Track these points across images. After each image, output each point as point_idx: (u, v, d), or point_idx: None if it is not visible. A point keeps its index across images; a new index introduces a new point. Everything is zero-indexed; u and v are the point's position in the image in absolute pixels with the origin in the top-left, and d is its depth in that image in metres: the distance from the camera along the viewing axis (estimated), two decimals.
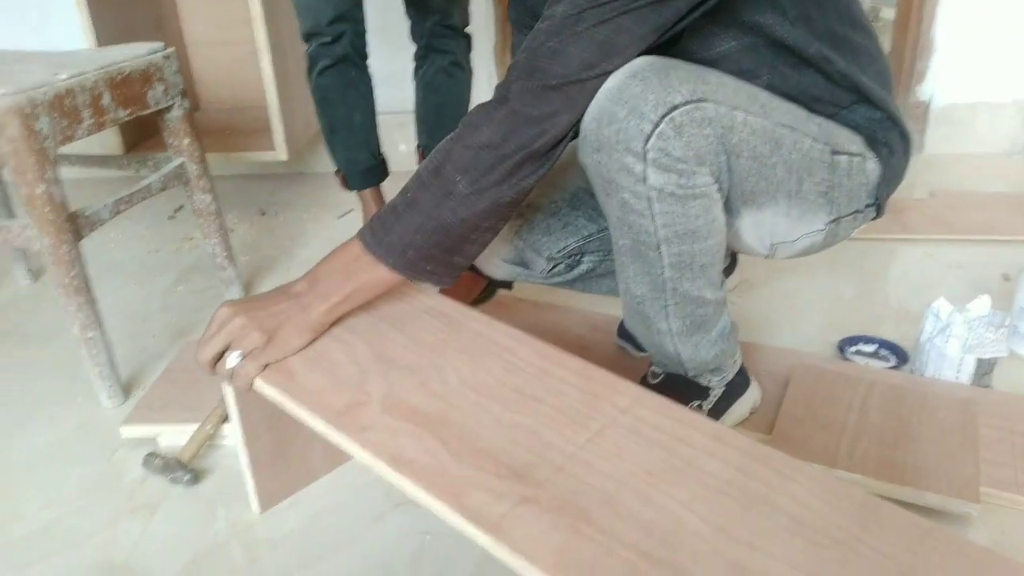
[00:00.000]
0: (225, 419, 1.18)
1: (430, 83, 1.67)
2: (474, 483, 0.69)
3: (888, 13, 3.50)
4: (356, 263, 0.89)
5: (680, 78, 0.84)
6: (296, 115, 2.12)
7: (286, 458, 1.06)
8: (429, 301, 0.98)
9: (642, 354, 1.35)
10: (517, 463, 0.71)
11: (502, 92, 0.86)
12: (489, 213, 0.87)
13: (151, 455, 1.13)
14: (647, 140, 0.82)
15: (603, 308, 1.50)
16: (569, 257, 1.13)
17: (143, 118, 1.39)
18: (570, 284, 1.22)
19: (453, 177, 0.86)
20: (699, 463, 0.70)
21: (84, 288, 1.24)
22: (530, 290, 1.60)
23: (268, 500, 1.06)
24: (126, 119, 1.30)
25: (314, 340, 0.90)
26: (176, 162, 1.45)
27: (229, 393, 0.95)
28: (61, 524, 1.07)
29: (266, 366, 0.86)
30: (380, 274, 0.89)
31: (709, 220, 0.90)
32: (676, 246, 0.91)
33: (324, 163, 2.52)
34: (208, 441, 1.17)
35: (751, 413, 1.16)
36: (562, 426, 0.75)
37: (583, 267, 1.15)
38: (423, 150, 1.69)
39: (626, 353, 1.36)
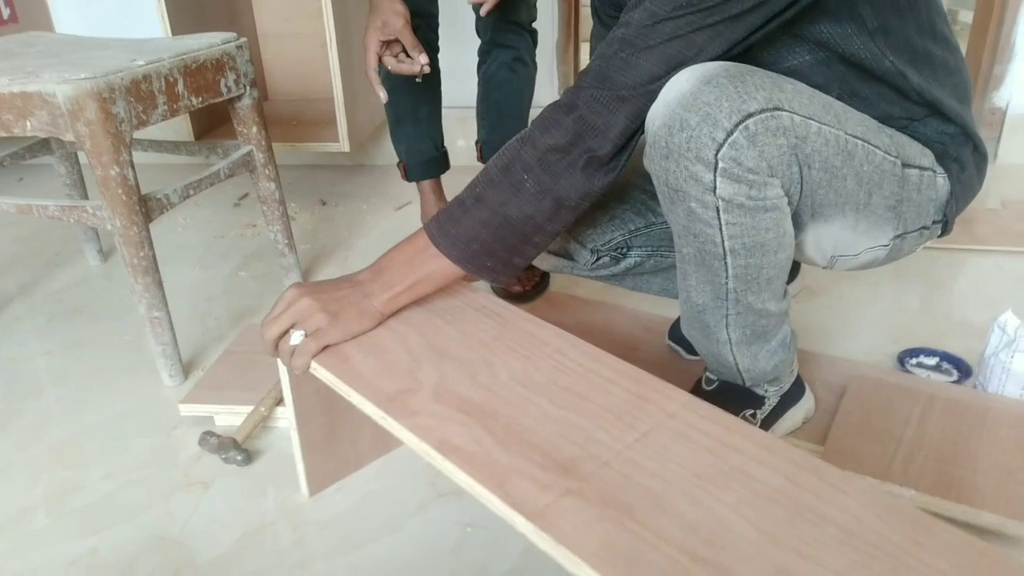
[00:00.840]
0: (280, 402, 1.20)
1: (492, 78, 1.67)
2: (519, 472, 0.69)
3: (966, 16, 3.39)
4: (420, 255, 0.91)
5: (756, 85, 0.81)
6: (360, 108, 2.15)
7: (336, 443, 1.08)
8: (482, 300, 0.99)
9: (694, 358, 1.33)
10: (563, 456, 0.71)
11: (572, 98, 0.86)
12: (553, 214, 0.88)
13: (207, 434, 1.17)
14: (719, 149, 0.80)
15: (655, 308, 1.49)
16: (615, 250, 1.13)
17: (214, 106, 1.42)
18: (618, 279, 1.21)
19: (521, 175, 0.87)
20: (748, 470, 0.69)
21: (152, 269, 1.28)
22: (581, 287, 1.60)
23: (317, 483, 1.08)
24: (198, 106, 1.34)
25: (375, 327, 0.92)
26: (244, 150, 1.49)
27: (285, 376, 0.97)
28: (119, 495, 1.11)
29: (325, 347, 0.89)
30: (443, 267, 0.91)
31: (779, 234, 0.88)
32: (743, 258, 0.89)
33: (384, 156, 2.55)
34: (262, 423, 1.20)
35: (804, 422, 1.14)
36: (609, 424, 0.75)
37: (629, 261, 1.14)
38: (481, 146, 1.70)
39: (678, 356, 1.35)
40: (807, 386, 1.15)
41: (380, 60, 1.36)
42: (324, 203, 2.26)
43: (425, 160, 1.69)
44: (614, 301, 1.54)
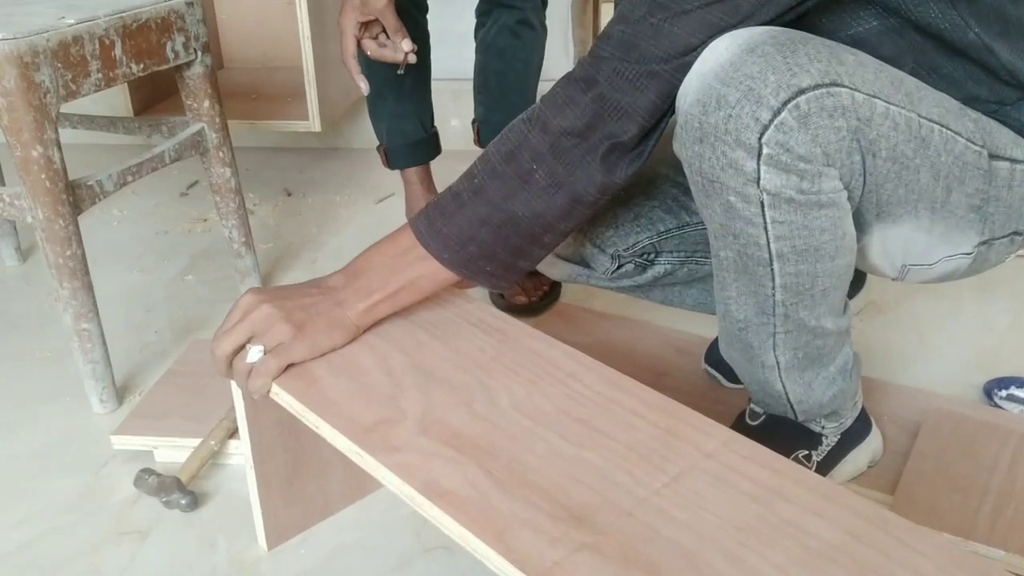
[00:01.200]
0: (233, 434, 1.20)
1: (492, 44, 1.67)
2: (523, 522, 0.69)
3: None
4: (404, 257, 0.92)
5: (809, 55, 0.81)
6: (334, 80, 2.16)
7: (301, 484, 1.08)
8: (478, 312, 0.99)
9: (736, 386, 1.33)
10: (576, 503, 0.71)
11: (591, 71, 0.86)
12: (567, 212, 0.89)
13: (145, 472, 1.17)
14: (763, 131, 0.80)
15: (688, 325, 1.49)
16: (640, 256, 1.13)
17: (158, 75, 1.43)
18: (643, 292, 1.21)
19: (529, 165, 0.87)
20: (801, 523, 0.69)
21: (80, 271, 1.29)
22: (599, 299, 1.60)
23: (277, 534, 1.08)
24: (139, 75, 1.35)
25: (348, 342, 0.92)
26: (194, 128, 1.50)
27: (239, 402, 0.98)
28: (37, 546, 1.11)
29: (289, 366, 0.89)
30: (432, 271, 0.91)
31: (837, 236, 0.88)
32: (793, 264, 0.89)
33: (363, 138, 2.56)
34: (212, 459, 1.20)
35: (869, 466, 1.14)
36: (633, 465, 0.75)
37: (657, 269, 1.14)
38: (479, 126, 1.70)
39: (716, 383, 1.35)
40: (873, 422, 1.15)
41: (359, 44, 1.36)
42: (289, 194, 2.27)
43: (411, 143, 1.69)
44: (638, 316, 1.54)
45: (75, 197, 1.27)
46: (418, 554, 1.07)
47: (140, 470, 1.17)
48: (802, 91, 0.80)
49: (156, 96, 2.31)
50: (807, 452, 1.09)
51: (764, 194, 0.84)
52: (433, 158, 1.74)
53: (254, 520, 1.07)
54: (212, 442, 1.19)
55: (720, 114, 0.81)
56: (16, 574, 1.06)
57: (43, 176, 1.22)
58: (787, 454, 1.06)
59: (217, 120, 1.52)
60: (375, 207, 2.16)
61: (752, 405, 1.12)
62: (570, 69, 0.90)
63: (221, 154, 1.54)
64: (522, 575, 0.64)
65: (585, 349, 0.92)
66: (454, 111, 2.40)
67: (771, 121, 0.80)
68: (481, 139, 1.69)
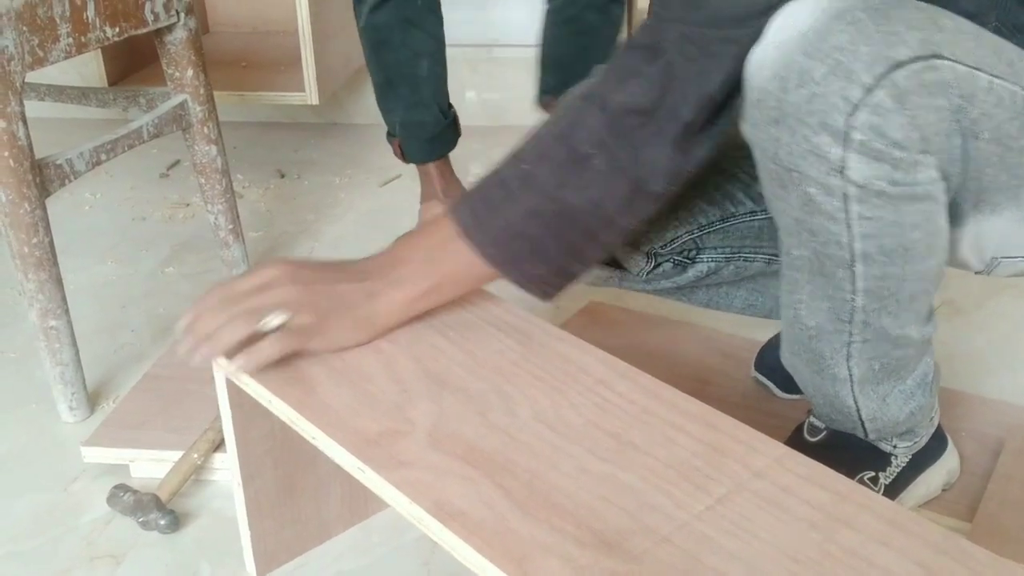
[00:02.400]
0: (219, 446, 1.21)
1: (577, 19, 1.66)
2: (545, 547, 0.69)
3: None
4: (444, 248, 0.92)
5: (907, 22, 0.79)
6: (333, 46, 2.17)
7: (294, 505, 1.08)
8: (497, 310, 1.00)
9: (790, 396, 1.33)
10: (607, 527, 0.71)
11: (654, 37, 0.85)
12: (628, 202, 0.88)
13: (119, 488, 1.18)
14: (853, 112, 0.78)
15: (735, 327, 1.48)
16: (679, 254, 1.12)
17: (136, 40, 1.44)
18: (685, 294, 1.21)
19: (586, 148, 0.87)
20: (865, 553, 0.69)
21: (48, 261, 1.30)
22: (634, 297, 1.60)
23: (268, 560, 1.09)
24: (114, 40, 1.36)
25: (370, 341, 0.93)
26: (175, 100, 1.50)
27: (226, 412, 0.98)
28: None
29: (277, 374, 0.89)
30: (475, 268, 0.91)
31: (930, 233, 0.87)
32: (879, 266, 0.88)
33: (365, 112, 2.57)
34: (194, 475, 1.21)
35: (944, 489, 1.14)
36: (671, 485, 0.75)
37: (699, 268, 1.13)
38: (547, 103, 1.69)
39: (767, 393, 1.35)
40: (949, 439, 1.14)
41: None
42: (283, 175, 2.28)
43: (430, 136, 1.69)
44: (679, 316, 1.53)
45: (42, 178, 1.28)
46: None
47: (114, 486, 1.18)
48: (899, 64, 0.78)
49: (133, 64, 2.33)
50: (873, 474, 1.08)
51: (850, 186, 0.82)
52: (455, 145, 1.74)
53: (242, 544, 1.08)
54: (195, 455, 1.20)
55: (802, 92, 0.79)
56: None
57: (6, 154, 1.23)
58: (851, 475, 1.05)
59: (202, 91, 1.52)
60: (379, 190, 2.17)
61: (812, 419, 1.11)
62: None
63: (206, 130, 1.55)
64: None
65: (618, 353, 0.92)
66: (470, 82, 2.40)
67: (862, 100, 0.78)
68: None
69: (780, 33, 0.80)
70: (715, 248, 1.13)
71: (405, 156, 1.71)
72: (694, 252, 1.13)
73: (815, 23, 0.79)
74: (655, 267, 1.13)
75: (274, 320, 0.88)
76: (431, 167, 1.73)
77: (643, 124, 0.85)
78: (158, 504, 1.15)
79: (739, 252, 1.14)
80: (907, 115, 0.79)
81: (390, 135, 1.72)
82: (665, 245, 1.11)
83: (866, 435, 1.06)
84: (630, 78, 0.86)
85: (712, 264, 1.14)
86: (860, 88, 0.78)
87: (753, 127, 0.85)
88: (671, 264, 1.13)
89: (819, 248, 0.89)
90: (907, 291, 0.90)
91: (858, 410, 1.03)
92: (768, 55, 0.81)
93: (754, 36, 0.83)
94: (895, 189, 0.82)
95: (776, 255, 1.18)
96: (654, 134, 0.85)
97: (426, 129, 1.67)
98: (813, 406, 1.09)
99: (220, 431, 1.20)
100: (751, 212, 1.11)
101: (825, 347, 0.97)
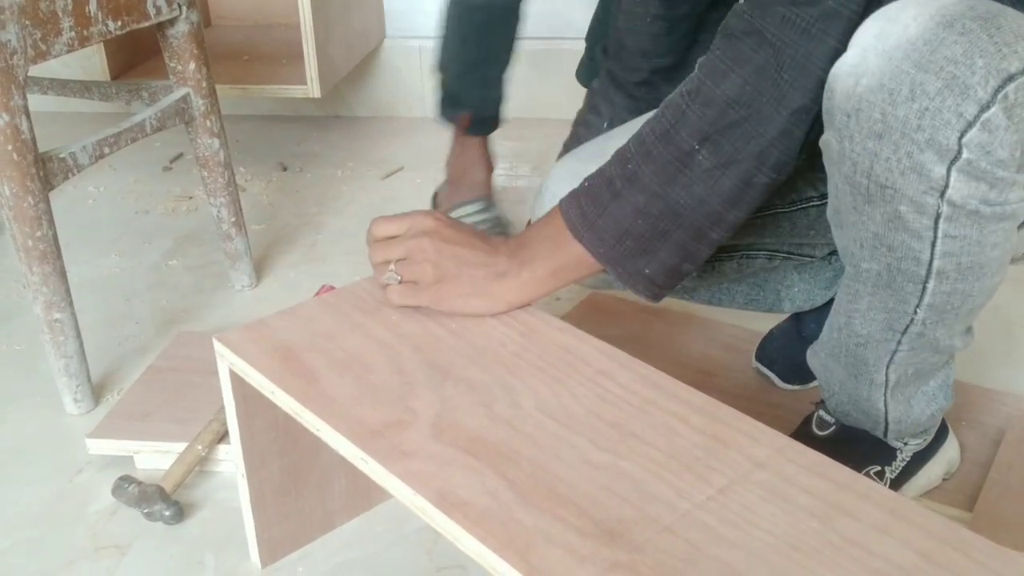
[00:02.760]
0: (223, 438, 1.22)
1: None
2: (548, 537, 0.69)
3: None
4: (559, 240, 0.93)
5: (1014, 31, 0.74)
6: (336, 38, 2.17)
7: (298, 495, 1.09)
8: None
9: (791, 387, 1.33)
10: (609, 517, 0.71)
11: (752, 22, 0.83)
12: (736, 197, 0.87)
13: (124, 480, 1.18)
14: (966, 130, 0.75)
15: (737, 318, 1.48)
16: None
17: (138, 34, 1.44)
18: (687, 292, 1.21)
19: (690, 143, 0.86)
20: (866, 542, 0.69)
21: (52, 254, 1.30)
22: None
23: (272, 550, 1.09)
24: (117, 33, 1.36)
25: (489, 314, 0.96)
26: (178, 93, 1.51)
27: (230, 403, 0.99)
28: (3, 562, 1.12)
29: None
30: (586, 260, 0.93)
31: (1005, 251, 0.85)
32: (950, 283, 0.86)
33: (368, 105, 2.57)
34: (199, 466, 1.21)
35: (944, 479, 1.14)
36: (673, 476, 0.75)
37: (702, 267, 1.13)
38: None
39: (769, 384, 1.35)
40: (950, 429, 1.14)
41: None
42: (285, 168, 2.28)
43: (495, 113, 1.74)
44: (681, 307, 1.53)
45: (45, 171, 1.28)
46: (430, 573, 1.07)
47: (119, 478, 1.19)
48: (1011, 78, 0.74)
49: (136, 58, 2.32)
50: (879, 468, 1.09)
51: (945, 205, 0.79)
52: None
53: (246, 534, 1.08)
54: (199, 447, 1.20)
55: (913, 106, 0.76)
56: None
57: (9, 147, 1.23)
58: (857, 470, 1.05)
59: (204, 85, 1.52)
60: (382, 183, 2.17)
61: (821, 413, 1.11)
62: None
63: (209, 123, 1.55)
64: None
65: (620, 344, 0.92)
66: None
67: (977, 117, 0.74)
68: None
69: (883, 40, 0.77)
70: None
71: (473, 129, 1.74)
72: None
73: (924, 32, 0.75)
74: None
75: (389, 277, 0.95)
76: (480, 140, 1.77)
77: (747, 116, 0.84)
78: (162, 495, 1.16)
79: (740, 249, 1.14)
80: (1016, 132, 0.76)
81: (456, 112, 1.73)
82: None
83: (885, 435, 1.06)
84: (732, 69, 0.84)
85: (714, 263, 1.14)
86: (976, 104, 0.74)
87: (845, 138, 0.81)
88: None
89: (893, 263, 0.87)
90: (969, 306, 0.89)
91: (886, 413, 1.03)
92: (870, 63, 0.77)
93: (857, 9, 0.80)
94: (987, 209, 0.80)
95: (777, 251, 1.18)
96: (759, 124, 0.84)
97: (495, 104, 1.73)
98: (831, 403, 1.09)
99: (224, 422, 1.20)
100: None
101: (870, 354, 0.97)
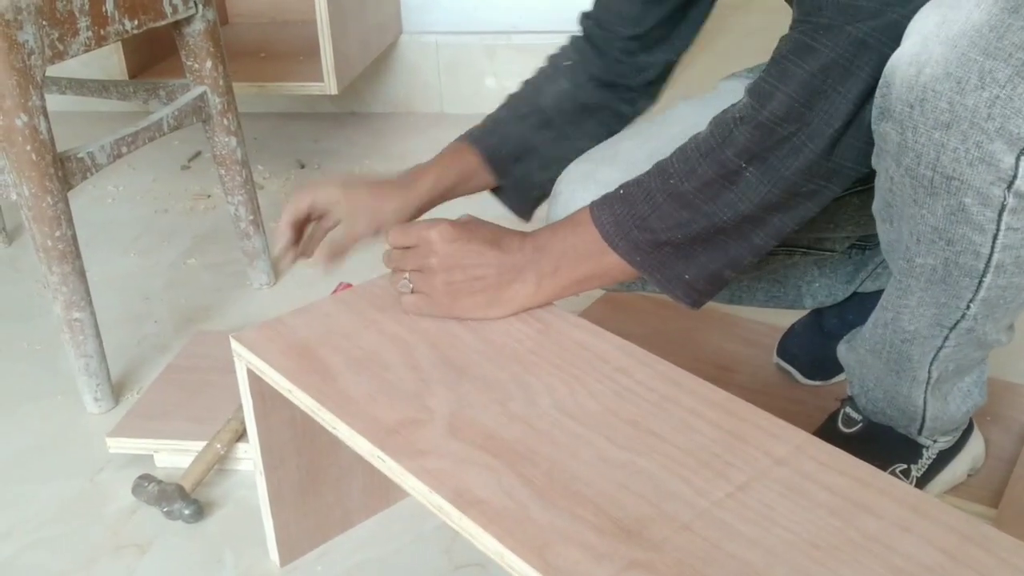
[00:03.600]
0: (241, 436, 1.22)
1: None
2: (566, 536, 0.69)
3: None
4: (588, 250, 0.93)
5: None
6: (352, 34, 2.17)
7: (317, 494, 1.09)
8: None
9: (813, 383, 1.32)
10: (627, 515, 0.71)
11: (805, 40, 0.82)
12: (782, 207, 0.87)
13: (144, 478, 1.19)
14: None
15: (756, 312, 1.47)
16: None
17: (155, 33, 1.44)
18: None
19: (736, 163, 0.86)
20: (888, 540, 0.68)
21: (71, 254, 1.31)
22: None
23: (291, 549, 1.10)
24: (134, 32, 1.36)
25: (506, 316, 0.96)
26: (195, 92, 1.51)
27: (248, 401, 0.99)
28: (24, 561, 1.13)
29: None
30: (620, 268, 0.93)
31: None
32: (1007, 276, 0.84)
33: (384, 101, 2.57)
34: (218, 464, 1.22)
35: (969, 475, 1.13)
36: (692, 473, 0.75)
37: None
38: None
39: (790, 379, 1.34)
40: (974, 424, 1.14)
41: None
42: (303, 166, 2.28)
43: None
44: None
45: (64, 171, 1.29)
46: (448, 572, 1.08)
47: (139, 476, 1.19)
48: None
49: (153, 57, 2.33)
50: (905, 466, 1.08)
51: (1011, 197, 0.78)
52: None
53: (265, 533, 1.09)
54: (218, 445, 1.21)
55: (983, 95, 0.74)
56: None
57: (28, 148, 1.24)
58: (883, 468, 1.04)
59: (221, 83, 1.53)
60: None
61: (848, 409, 1.10)
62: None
63: (226, 121, 1.56)
64: None
65: (638, 341, 0.92)
66: (489, 69, 2.40)
67: None
68: None
69: (946, 28, 0.75)
70: None
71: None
72: None
73: (990, 18, 0.74)
74: None
75: (403, 288, 0.96)
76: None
77: (796, 131, 0.83)
78: (182, 494, 1.16)
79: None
80: None
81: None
82: None
83: (920, 432, 1.05)
84: (779, 86, 0.84)
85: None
86: None
87: (908, 129, 0.79)
88: None
89: (952, 258, 0.85)
90: (1021, 300, 0.88)
91: (924, 410, 1.02)
92: (933, 52, 0.76)
93: (907, 15, 0.79)
94: None
95: (796, 246, 1.17)
96: (809, 138, 0.83)
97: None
98: (861, 400, 1.08)
99: (242, 421, 1.21)
100: None
101: (915, 351, 0.96)
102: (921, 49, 0.76)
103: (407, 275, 0.96)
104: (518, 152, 1.20)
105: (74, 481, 1.25)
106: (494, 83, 2.38)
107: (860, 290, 1.28)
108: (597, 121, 1.20)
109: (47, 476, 1.26)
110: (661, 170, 0.91)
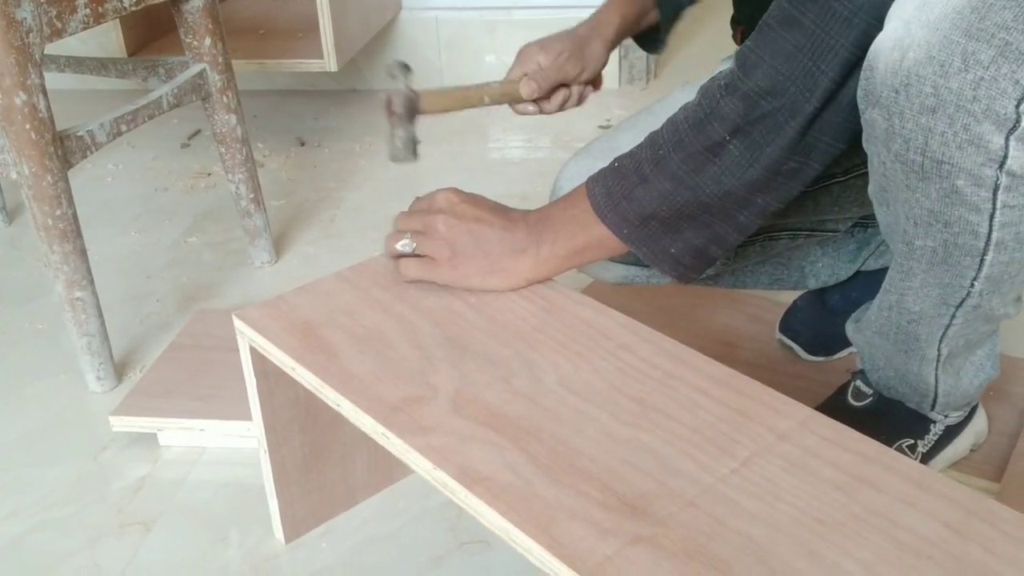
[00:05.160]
0: (499, 99, 1.21)
1: None
2: (571, 512, 0.69)
3: None
4: (583, 220, 0.94)
5: None
6: (352, 11, 2.16)
7: (321, 471, 1.09)
8: None
9: (816, 359, 1.33)
10: (631, 491, 0.71)
11: (791, 11, 0.82)
12: (765, 185, 0.88)
13: (402, 67, 1.18)
14: (1023, 98, 0.72)
15: (760, 290, 1.48)
16: None
17: (153, 9, 1.44)
18: (712, 280, 1.21)
19: (721, 135, 0.87)
20: (891, 514, 0.69)
21: (72, 233, 1.31)
22: None
23: (296, 526, 1.10)
24: (132, 9, 1.36)
25: (506, 290, 0.97)
26: (194, 69, 1.50)
27: (251, 380, 0.99)
28: (30, 540, 1.13)
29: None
30: (610, 241, 0.93)
31: None
32: (1008, 253, 0.84)
33: (385, 78, 2.55)
34: (468, 105, 1.20)
35: (972, 450, 1.13)
36: (696, 449, 0.75)
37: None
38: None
39: (792, 355, 1.34)
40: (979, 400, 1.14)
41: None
42: (303, 143, 2.28)
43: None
44: None
45: (64, 150, 1.29)
46: (453, 548, 1.08)
47: (399, 62, 1.19)
48: None
49: (152, 34, 2.32)
50: (912, 441, 1.08)
51: (1004, 176, 0.77)
52: None
53: (270, 511, 1.09)
54: (486, 98, 1.19)
55: (967, 77, 0.73)
56: (7, 572, 1.09)
57: (27, 126, 1.23)
58: (889, 443, 1.05)
59: (220, 60, 1.52)
60: None
61: (859, 383, 1.10)
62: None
63: (225, 99, 1.55)
64: (570, 571, 0.65)
65: (642, 318, 0.92)
66: (489, 45, 2.39)
67: None
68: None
69: (927, 11, 0.75)
70: None
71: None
72: None
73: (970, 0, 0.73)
74: None
75: (404, 246, 0.96)
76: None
77: (779, 108, 0.84)
78: (411, 114, 1.14)
79: (763, 232, 1.13)
80: None
81: None
82: None
83: (933, 407, 1.06)
84: (764, 59, 0.84)
85: (737, 248, 1.13)
86: None
87: (895, 115, 0.79)
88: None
89: (950, 239, 0.85)
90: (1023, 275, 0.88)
91: (936, 386, 1.02)
92: (915, 35, 0.75)
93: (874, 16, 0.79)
94: None
95: (800, 229, 1.17)
96: (790, 115, 0.84)
97: None
98: (873, 376, 1.08)
99: (506, 92, 1.20)
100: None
101: (923, 330, 0.96)
102: (904, 33, 0.76)
103: (408, 236, 0.96)
104: None
105: (78, 460, 1.26)
106: (494, 59, 2.38)
107: (863, 268, 1.29)
108: None
109: (51, 456, 1.27)
110: (652, 141, 0.92)
